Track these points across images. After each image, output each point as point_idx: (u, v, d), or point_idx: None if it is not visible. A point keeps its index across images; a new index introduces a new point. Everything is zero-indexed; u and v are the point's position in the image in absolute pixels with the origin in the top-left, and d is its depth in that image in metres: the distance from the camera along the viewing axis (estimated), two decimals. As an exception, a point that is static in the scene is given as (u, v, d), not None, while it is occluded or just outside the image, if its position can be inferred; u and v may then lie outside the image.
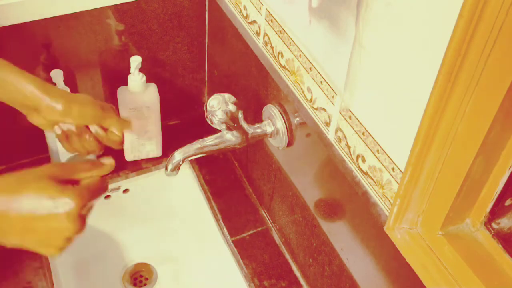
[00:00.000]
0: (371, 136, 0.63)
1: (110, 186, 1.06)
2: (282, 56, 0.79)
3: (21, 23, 0.89)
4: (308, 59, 0.72)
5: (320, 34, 0.68)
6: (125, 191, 1.08)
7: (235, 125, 0.79)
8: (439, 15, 0.48)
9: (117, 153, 1.07)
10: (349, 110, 0.66)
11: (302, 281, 0.93)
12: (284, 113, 0.82)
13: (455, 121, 0.51)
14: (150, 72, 1.05)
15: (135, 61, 0.95)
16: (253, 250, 0.97)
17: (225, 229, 1.00)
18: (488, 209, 0.60)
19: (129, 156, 1.07)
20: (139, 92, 0.98)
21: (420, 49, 0.52)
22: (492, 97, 0.50)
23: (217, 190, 1.07)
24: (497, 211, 0.59)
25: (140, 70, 0.97)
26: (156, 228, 1.13)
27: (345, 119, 0.67)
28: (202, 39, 1.08)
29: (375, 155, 0.63)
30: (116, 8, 0.96)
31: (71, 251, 1.06)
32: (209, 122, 0.78)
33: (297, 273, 0.94)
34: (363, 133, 0.64)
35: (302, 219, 0.87)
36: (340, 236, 0.77)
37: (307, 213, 0.85)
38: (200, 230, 1.09)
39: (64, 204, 0.60)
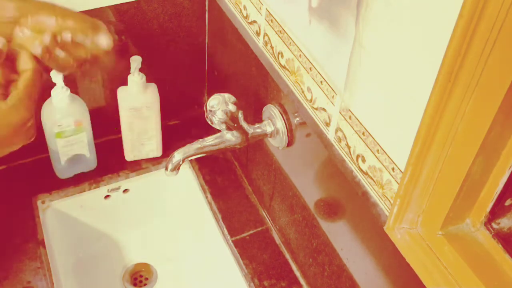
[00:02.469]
0: (371, 136, 0.63)
1: (110, 186, 1.06)
2: (282, 56, 0.79)
3: (21, 23, 0.89)
4: (308, 59, 0.72)
5: (320, 34, 0.68)
6: (125, 191, 1.08)
7: (235, 125, 0.79)
8: (439, 15, 0.48)
9: (117, 153, 1.08)
10: (349, 110, 0.66)
11: (302, 281, 0.93)
12: (284, 113, 0.82)
13: (455, 121, 0.51)
14: (150, 72, 1.05)
15: (135, 61, 0.95)
16: (253, 250, 0.97)
17: (225, 229, 1.00)
18: (488, 209, 0.60)
19: (129, 156, 1.07)
20: (139, 92, 0.98)
21: (420, 49, 0.52)
22: (492, 97, 0.50)
23: (217, 190, 1.07)
24: (497, 211, 0.59)
25: (140, 70, 0.97)
26: (156, 228, 1.13)
27: (345, 119, 0.67)
28: (202, 39, 1.08)
29: (375, 155, 0.63)
30: (116, 8, 0.96)
31: (71, 251, 1.06)
32: (209, 122, 0.78)
33: (297, 273, 0.94)
34: (363, 133, 0.64)
35: (302, 219, 0.87)
36: (340, 236, 0.77)
37: (307, 213, 0.85)
38: (200, 230, 1.09)
39: None
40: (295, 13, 0.73)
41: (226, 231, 1.00)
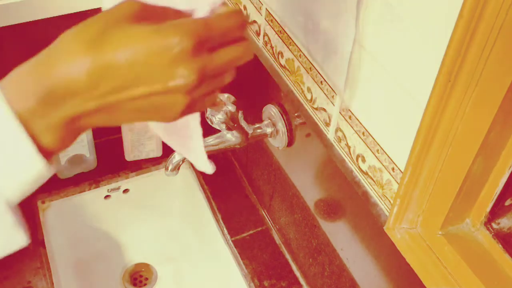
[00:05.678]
0: (371, 136, 0.63)
1: (110, 186, 1.06)
2: (282, 56, 0.79)
3: (21, 23, 0.89)
4: (308, 59, 0.72)
5: (320, 34, 0.68)
6: (125, 191, 1.08)
7: (235, 125, 0.79)
8: (439, 15, 0.48)
9: (117, 153, 1.08)
10: (349, 110, 0.66)
11: (302, 281, 0.93)
12: (284, 113, 0.82)
13: (455, 121, 0.51)
14: (150, 72, 1.05)
15: (135, 61, 0.95)
16: (253, 250, 0.97)
17: (225, 229, 1.00)
18: (488, 209, 0.60)
19: (129, 156, 1.07)
20: (139, 92, 0.98)
21: (420, 49, 0.52)
22: (492, 97, 0.50)
23: (217, 190, 1.07)
24: (497, 211, 0.60)
25: (140, 70, 0.96)
26: (156, 228, 1.13)
27: (345, 119, 0.67)
28: (202, 39, 1.08)
29: (375, 155, 0.63)
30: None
31: (71, 251, 1.06)
32: (209, 122, 0.78)
33: (297, 273, 0.94)
34: (363, 133, 0.64)
35: (302, 219, 0.87)
36: (340, 236, 0.77)
37: (307, 213, 0.85)
38: (200, 230, 1.09)
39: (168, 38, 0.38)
40: (294, 13, 0.73)
41: (226, 231, 1.00)
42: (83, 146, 1.00)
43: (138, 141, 1.05)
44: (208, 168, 0.56)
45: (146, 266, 1.10)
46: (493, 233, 0.61)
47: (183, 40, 0.38)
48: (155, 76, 0.39)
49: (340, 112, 0.68)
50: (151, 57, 0.38)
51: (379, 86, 0.59)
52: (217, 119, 0.76)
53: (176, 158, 0.79)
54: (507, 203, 0.59)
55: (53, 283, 0.89)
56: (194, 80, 0.39)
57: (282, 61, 0.80)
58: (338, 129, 0.70)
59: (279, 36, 0.79)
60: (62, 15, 0.92)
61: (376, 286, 0.71)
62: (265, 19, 0.82)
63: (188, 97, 0.41)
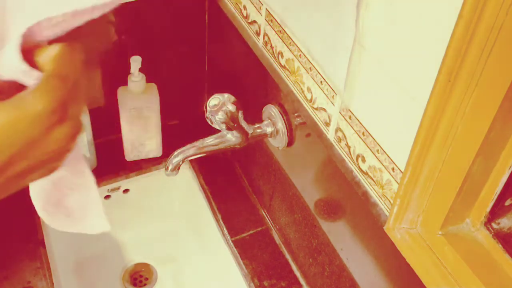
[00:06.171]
0: (371, 136, 0.63)
1: (110, 186, 1.06)
2: (282, 56, 0.79)
3: (21, 23, 0.89)
4: (308, 59, 0.72)
5: (320, 34, 0.68)
6: (125, 191, 1.08)
7: (235, 125, 0.79)
8: (439, 15, 0.48)
9: (117, 153, 1.08)
10: (349, 110, 0.66)
11: (302, 281, 0.93)
12: (284, 113, 0.82)
13: (455, 121, 0.51)
14: (150, 72, 1.05)
15: (135, 61, 0.95)
16: (253, 250, 0.97)
17: (225, 229, 1.00)
18: (488, 209, 0.60)
19: (129, 156, 1.07)
20: (139, 92, 0.98)
21: (420, 49, 0.52)
22: (492, 97, 0.50)
23: (217, 190, 1.07)
24: (497, 211, 0.60)
25: (140, 70, 0.97)
26: (156, 228, 1.13)
27: (345, 119, 0.67)
28: (202, 39, 1.08)
29: (375, 155, 0.63)
30: (116, 8, 0.95)
31: (71, 251, 1.06)
32: (209, 122, 0.78)
33: (297, 273, 0.94)
34: (363, 133, 0.64)
35: (302, 219, 0.87)
36: (340, 236, 0.77)
37: (307, 213, 0.85)
38: (200, 230, 1.09)
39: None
40: (294, 13, 0.73)
41: (226, 231, 1.00)
42: (83, 146, 1.00)
43: (138, 141, 1.05)
44: (106, 225, 0.52)
45: (146, 266, 1.10)
46: (493, 233, 0.61)
47: (47, 105, 0.35)
48: (29, 151, 0.36)
49: (340, 112, 0.68)
50: (18, 133, 0.35)
51: (379, 86, 0.59)
52: (217, 119, 0.76)
53: (176, 158, 0.79)
54: (507, 203, 0.59)
55: (53, 283, 0.89)
56: (72, 136, 0.38)
57: (282, 61, 0.80)
58: (338, 129, 0.70)
59: (279, 36, 0.79)
60: (62, 15, 0.92)
61: (376, 286, 0.71)
62: (265, 19, 0.82)
63: (67, 146, 0.39)
